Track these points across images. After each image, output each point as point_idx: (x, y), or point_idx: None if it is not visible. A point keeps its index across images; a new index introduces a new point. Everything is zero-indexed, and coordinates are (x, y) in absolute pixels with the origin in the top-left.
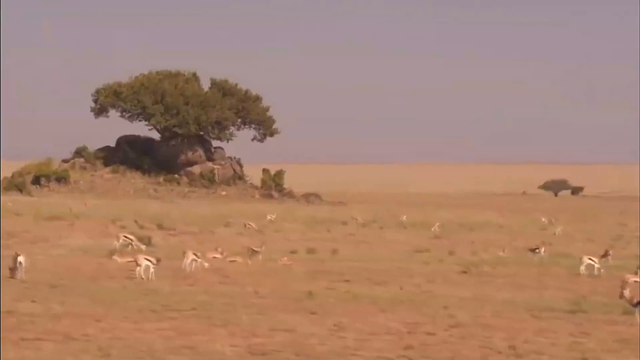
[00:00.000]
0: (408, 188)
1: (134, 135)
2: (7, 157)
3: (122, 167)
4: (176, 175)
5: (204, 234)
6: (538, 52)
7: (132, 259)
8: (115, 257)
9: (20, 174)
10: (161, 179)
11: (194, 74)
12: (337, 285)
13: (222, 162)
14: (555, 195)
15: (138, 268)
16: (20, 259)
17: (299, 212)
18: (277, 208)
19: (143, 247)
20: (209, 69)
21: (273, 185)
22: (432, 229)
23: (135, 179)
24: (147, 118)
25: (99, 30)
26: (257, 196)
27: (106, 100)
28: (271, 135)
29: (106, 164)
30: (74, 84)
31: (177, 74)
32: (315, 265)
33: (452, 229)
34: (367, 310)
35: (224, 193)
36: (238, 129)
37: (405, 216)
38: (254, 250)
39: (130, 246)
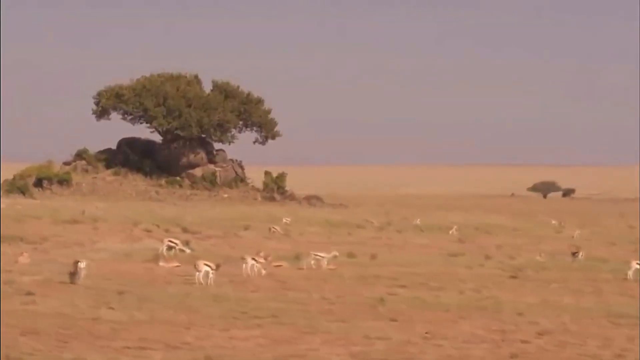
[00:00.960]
0: (397, 190)
1: (134, 138)
2: (4, 159)
3: (123, 170)
4: (178, 178)
5: (230, 238)
6: (529, 53)
7: (179, 264)
8: (161, 262)
9: (21, 176)
10: (163, 181)
11: (196, 76)
12: (396, 291)
13: (224, 165)
14: (544, 197)
15: (197, 274)
16: (82, 264)
17: (310, 215)
18: (284, 210)
19: (188, 251)
20: (209, 71)
21: (275, 187)
22: (450, 232)
23: (137, 182)
24: (149, 120)
25: (97, 30)
26: (259, 198)
27: (108, 102)
28: (273, 137)
29: (107, 167)
30: (72, 85)
31: (179, 76)
32: (361, 270)
33: (469, 232)
34: (445, 317)
35: (226, 195)
36: (240, 132)
37: (419, 219)
38: (334, 255)
39: (173, 250)
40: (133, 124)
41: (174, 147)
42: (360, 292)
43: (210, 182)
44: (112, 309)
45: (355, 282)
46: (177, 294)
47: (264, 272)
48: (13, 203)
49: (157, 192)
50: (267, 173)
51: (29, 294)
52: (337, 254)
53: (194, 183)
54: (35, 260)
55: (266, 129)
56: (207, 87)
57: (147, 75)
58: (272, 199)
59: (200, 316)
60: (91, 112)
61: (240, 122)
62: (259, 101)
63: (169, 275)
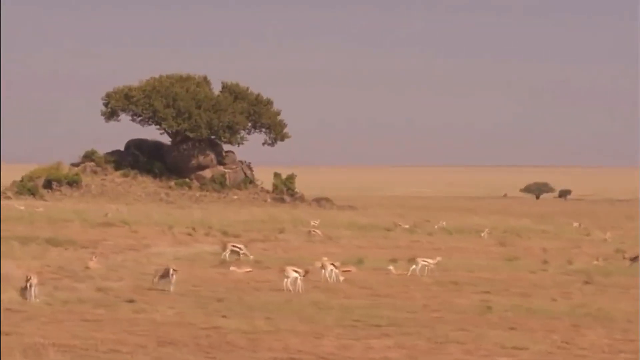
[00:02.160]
0: (385, 192)
1: (142, 139)
2: (10, 160)
3: (132, 171)
4: (187, 180)
5: (273, 241)
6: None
7: (251, 269)
8: (232, 267)
9: (30, 177)
10: (172, 183)
11: (205, 78)
12: (487, 298)
13: (233, 166)
14: (537, 197)
15: (286, 280)
16: (172, 271)
17: (335, 218)
18: (307, 213)
19: (251, 256)
20: (216, 72)
21: (285, 189)
22: (482, 235)
23: (146, 183)
24: (159, 122)
25: (101, 32)
26: (268, 200)
27: (117, 104)
28: (282, 139)
29: (116, 168)
30: (78, 87)
31: (188, 78)
32: (433, 275)
33: (501, 235)
34: (561, 325)
35: (235, 197)
36: (248, 133)
37: (444, 222)
38: (438, 261)
39: (237, 255)
40: (142, 126)
41: (183, 149)
42: (453, 299)
43: (220, 183)
44: (225, 317)
45: (439, 288)
46: (275, 301)
47: (342, 278)
48: (32, 205)
49: (166, 194)
50: (276, 175)
51: (131, 301)
52: (440, 259)
53: (203, 185)
54: (102, 265)
55: (275, 131)
56: (216, 89)
57: (156, 76)
58: (282, 200)
59: (319, 325)
60: (100, 113)
61: (249, 124)
62: (269, 102)
63: (249, 281)
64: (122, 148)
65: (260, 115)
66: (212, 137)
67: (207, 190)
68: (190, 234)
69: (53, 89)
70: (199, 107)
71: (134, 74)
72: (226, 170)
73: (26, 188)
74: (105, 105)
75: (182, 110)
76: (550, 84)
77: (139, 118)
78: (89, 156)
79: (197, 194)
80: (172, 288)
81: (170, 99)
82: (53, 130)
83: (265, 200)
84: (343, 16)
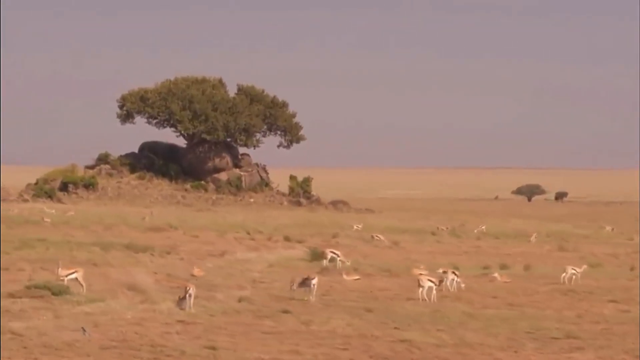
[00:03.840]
0: (378, 193)
1: (156, 142)
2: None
3: (148, 174)
4: (202, 182)
5: (338, 247)
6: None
7: (359, 277)
8: (345, 276)
9: (45, 180)
10: (188, 185)
11: (220, 80)
12: (621, 307)
13: (249, 169)
14: (529, 200)
15: (420, 289)
16: (314, 281)
17: (372, 222)
18: (330, 215)
19: (348, 263)
20: (232, 73)
21: (301, 192)
22: (531, 239)
23: (162, 186)
24: (175, 124)
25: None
26: (285, 203)
27: (132, 106)
28: (297, 141)
29: (131, 171)
30: (87, 90)
31: (204, 80)
32: (537, 284)
33: (545, 240)
34: None
35: (252, 200)
36: (264, 135)
37: (484, 226)
38: (584, 268)
39: (336, 262)
40: (158, 128)
41: (199, 151)
42: (590, 308)
43: (236, 186)
44: (398, 329)
45: (563, 297)
46: (422, 311)
47: (463, 285)
48: (54, 208)
49: (183, 197)
50: (292, 177)
51: (286, 311)
52: (586, 266)
53: (219, 187)
54: (205, 272)
55: (291, 133)
56: (230, 91)
57: (171, 78)
58: (299, 203)
59: (498, 338)
60: (116, 116)
61: (265, 126)
62: (284, 105)
63: (370, 290)
64: (128, 150)
65: (276, 118)
66: (228, 139)
67: (223, 193)
68: (253, 239)
69: (56, 92)
70: (215, 110)
71: (136, 77)
72: (242, 173)
73: (43, 191)
74: (120, 107)
75: (198, 113)
76: (540, 87)
77: (155, 120)
78: (103, 159)
79: (214, 196)
80: (312, 297)
81: (187, 101)
82: (55, 133)
83: (282, 203)
84: (355, 18)
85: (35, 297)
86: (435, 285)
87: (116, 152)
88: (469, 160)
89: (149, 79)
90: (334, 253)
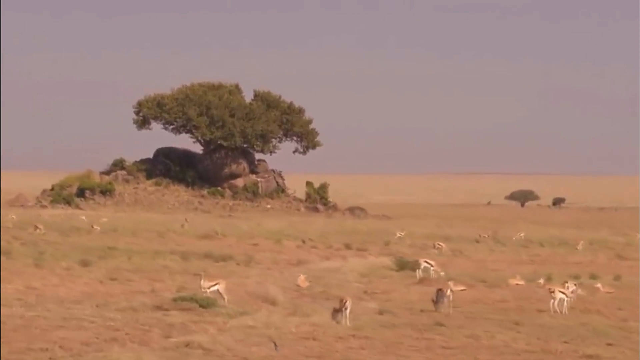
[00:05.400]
0: (363, 199)
1: (171, 148)
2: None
3: (165, 180)
4: (219, 188)
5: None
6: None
7: (465, 288)
8: (452, 287)
9: (61, 186)
10: (204, 192)
11: (236, 86)
12: None
13: (266, 175)
14: (522, 205)
15: (552, 301)
16: (448, 293)
17: (416, 229)
18: (355, 222)
19: (442, 273)
20: (249, 79)
21: (318, 198)
22: (578, 247)
23: (179, 192)
24: (191, 130)
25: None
26: (302, 209)
27: (149, 112)
28: (313, 147)
29: (148, 177)
30: (98, 94)
31: (220, 86)
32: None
33: (590, 247)
34: None
35: (268, 206)
36: (280, 141)
37: (522, 233)
38: None
39: (430, 272)
40: (175, 134)
41: (215, 158)
42: None
43: (253, 192)
44: (568, 343)
45: None
46: (568, 324)
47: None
48: (94, 215)
49: (200, 203)
50: (308, 183)
51: (440, 324)
52: None
53: (235, 194)
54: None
55: (307, 139)
56: (247, 97)
57: (188, 84)
58: (316, 210)
59: None
60: (132, 121)
61: (281, 132)
62: (300, 111)
63: (491, 302)
64: (138, 156)
65: (293, 124)
66: (245, 145)
67: (239, 199)
68: (315, 247)
69: (57, 94)
70: (232, 116)
71: (137, 80)
72: (259, 179)
73: (61, 197)
74: (137, 113)
75: (215, 119)
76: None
77: (171, 126)
78: (118, 164)
79: (230, 202)
80: (450, 310)
81: (204, 107)
82: (56, 137)
83: (299, 210)
84: (379, 20)
85: (184, 310)
86: (567, 297)
87: (127, 156)
88: (451, 166)
89: (150, 82)
90: (428, 263)
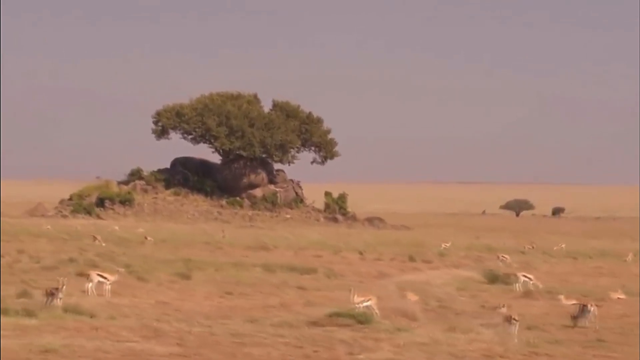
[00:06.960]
0: (365, 207)
1: (188, 157)
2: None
3: (183, 190)
4: (238, 198)
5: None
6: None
7: (577, 302)
8: (564, 300)
9: (79, 196)
10: (223, 202)
11: (255, 96)
12: None
13: (284, 185)
14: (517, 215)
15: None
16: (593, 309)
17: (460, 240)
18: (364, 232)
19: (541, 286)
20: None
21: (337, 208)
22: (627, 259)
23: (198, 202)
24: (210, 140)
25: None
26: (321, 219)
27: (168, 122)
28: (332, 157)
29: (166, 187)
30: (78, 98)
31: (239, 96)
32: None
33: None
34: None
35: (288, 216)
36: (298, 151)
37: (563, 244)
38: None
39: (522, 284)
40: (194, 144)
41: (234, 167)
42: None
43: (272, 202)
44: None
45: None
46: None
47: None
48: (130, 226)
49: (219, 213)
50: (327, 193)
51: (600, 340)
52: None
53: (254, 204)
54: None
55: (326, 149)
56: (265, 107)
57: (206, 94)
58: (335, 220)
59: None
60: (151, 131)
61: (299, 142)
62: (319, 121)
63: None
64: (154, 165)
65: (312, 134)
66: (264, 155)
67: (258, 209)
68: (378, 259)
69: (57, 103)
70: (251, 126)
71: (137, 84)
72: (277, 189)
73: (82, 207)
74: (155, 123)
75: (234, 129)
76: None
77: (190, 136)
78: (135, 174)
79: (250, 212)
80: (596, 325)
81: (223, 117)
82: (60, 144)
83: (318, 220)
84: (395, 29)
85: (342, 326)
86: None
87: (142, 166)
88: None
89: (161, 92)
90: (527, 277)
